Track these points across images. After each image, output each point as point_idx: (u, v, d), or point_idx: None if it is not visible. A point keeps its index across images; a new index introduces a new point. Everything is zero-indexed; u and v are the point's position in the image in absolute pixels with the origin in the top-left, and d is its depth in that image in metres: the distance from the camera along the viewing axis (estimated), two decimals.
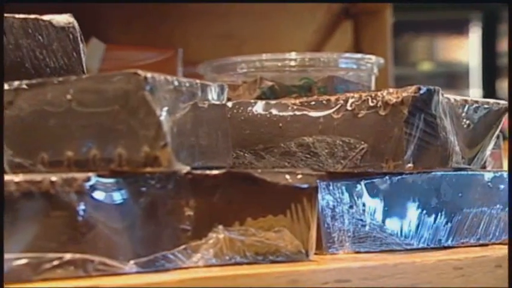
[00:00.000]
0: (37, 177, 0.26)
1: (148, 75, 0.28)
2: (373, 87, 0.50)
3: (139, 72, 0.27)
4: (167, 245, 0.28)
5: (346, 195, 0.33)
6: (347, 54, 0.51)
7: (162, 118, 0.27)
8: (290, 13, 0.95)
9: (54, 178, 0.26)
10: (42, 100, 0.29)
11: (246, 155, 0.36)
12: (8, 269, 0.25)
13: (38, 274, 0.26)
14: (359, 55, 0.51)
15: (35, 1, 0.74)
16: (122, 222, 0.27)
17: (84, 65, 0.35)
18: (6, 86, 0.29)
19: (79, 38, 0.34)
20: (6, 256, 0.25)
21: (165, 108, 0.28)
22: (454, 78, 2.55)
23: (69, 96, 0.28)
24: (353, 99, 0.33)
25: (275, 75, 0.50)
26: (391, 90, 0.33)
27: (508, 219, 0.33)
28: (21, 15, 0.33)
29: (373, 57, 0.50)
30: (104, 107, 0.28)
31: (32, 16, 0.34)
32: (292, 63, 0.50)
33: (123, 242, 0.27)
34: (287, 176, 0.30)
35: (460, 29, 2.47)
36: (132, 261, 0.27)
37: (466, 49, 2.49)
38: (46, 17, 0.34)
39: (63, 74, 0.34)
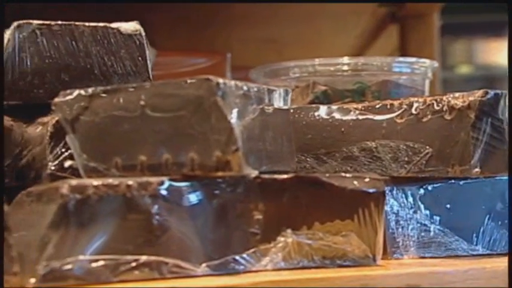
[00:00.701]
0: (114, 181, 0.27)
1: (220, 80, 0.28)
2: (427, 91, 0.50)
3: (212, 78, 0.28)
4: (237, 248, 0.29)
5: (410, 199, 0.33)
6: (401, 58, 0.51)
7: (234, 123, 0.28)
8: (333, 17, 0.95)
9: (130, 182, 0.27)
10: (116, 106, 0.29)
11: (307, 159, 0.36)
12: (87, 271, 0.26)
13: (116, 276, 0.26)
14: (413, 59, 0.50)
15: (70, 1, 0.75)
16: (194, 225, 0.28)
17: (150, 71, 0.36)
18: (82, 92, 0.30)
19: (145, 45, 0.35)
20: (85, 258, 0.26)
21: (236, 114, 0.28)
22: (493, 81, 2.51)
23: (142, 102, 0.29)
24: (418, 104, 0.33)
25: (328, 80, 0.50)
26: (456, 94, 0.33)
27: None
28: (92, 24, 0.34)
29: (427, 61, 0.50)
30: (176, 112, 0.28)
31: (101, 24, 0.35)
32: (345, 67, 0.50)
33: (195, 245, 0.28)
34: (354, 181, 0.30)
35: (498, 31, 2.44)
36: (204, 264, 0.28)
37: (505, 52, 2.45)
38: (114, 25, 0.35)
39: (130, 80, 0.35)
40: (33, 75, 0.34)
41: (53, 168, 0.32)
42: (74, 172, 0.32)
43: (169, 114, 0.29)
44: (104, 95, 0.29)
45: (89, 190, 0.26)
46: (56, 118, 0.33)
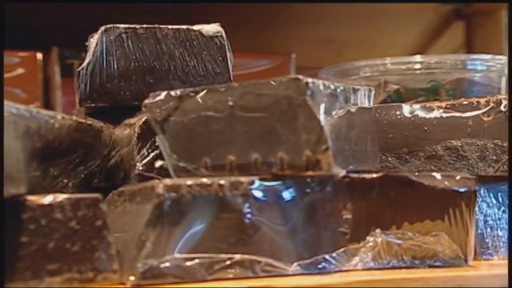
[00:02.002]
0: (207, 180, 0.27)
1: (309, 80, 0.28)
2: (503, 89, 0.49)
3: (301, 77, 0.28)
4: (327, 247, 0.29)
5: (499, 199, 0.32)
6: (475, 56, 0.50)
7: (323, 122, 0.28)
8: (394, 16, 0.94)
9: (222, 181, 0.27)
10: (205, 106, 0.30)
11: (389, 158, 0.35)
12: (183, 269, 0.26)
13: (211, 274, 0.27)
14: (488, 56, 0.49)
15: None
16: (284, 224, 0.28)
17: (231, 72, 0.36)
18: (171, 93, 0.30)
19: (227, 47, 0.36)
20: (181, 256, 0.26)
21: (325, 113, 0.28)
22: None
23: (231, 103, 0.29)
24: (506, 101, 0.32)
25: (399, 79, 0.50)
26: None
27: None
28: (174, 26, 0.35)
29: (503, 58, 0.48)
30: (265, 112, 0.29)
31: (184, 26, 0.35)
32: (417, 66, 0.49)
33: (286, 244, 0.28)
34: (445, 180, 0.29)
35: None
36: (295, 263, 0.28)
37: None
38: (196, 27, 0.35)
39: (212, 82, 0.35)
40: (120, 78, 0.34)
41: (140, 168, 0.33)
42: (160, 172, 0.33)
43: (258, 114, 0.29)
44: (192, 95, 0.30)
45: (183, 189, 0.27)
46: (143, 120, 0.33)
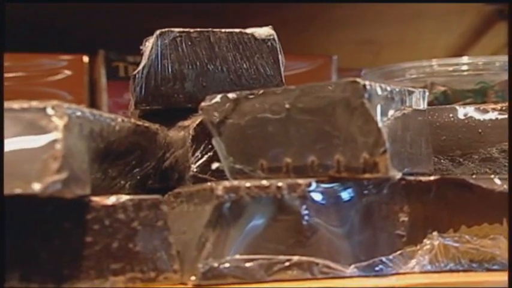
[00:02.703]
0: (265, 182, 0.28)
1: (367, 83, 0.28)
2: None
3: (358, 80, 0.28)
4: (384, 250, 0.29)
5: None
6: None
7: (381, 125, 0.28)
8: (434, 16, 0.93)
9: (280, 183, 0.28)
10: (261, 109, 0.30)
11: (442, 161, 0.35)
12: (243, 270, 0.27)
13: (270, 275, 0.27)
14: None
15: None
16: (341, 226, 0.28)
17: (282, 75, 0.36)
18: (228, 96, 0.31)
19: (278, 50, 0.36)
20: (241, 257, 0.27)
21: (381, 115, 0.28)
22: None
23: (288, 105, 0.29)
24: None
25: (446, 80, 0.50)
26: None
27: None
28: (227, 30, 0.35)
29: None
30: (322, 114, 0.29)
31: (237, 30, 0.36)
32: (465, 67, 0.49)
33: (343, 246, 0.28)
34: (504, 183, 0.29)
35: None
36: (352, 265, 0.28)
37: None
38: (249, 30, 0.36)
39: (264, 84, 0.36)
40: (174, 81, 0.35)
41: (195, 170, 0.33)
42: (214, 174, 0.34)
43: (315, 117, 0.29)
44: (249, 98, 0.30)
45: (241, 191, 0.27)
46: (197, 122, 0.34)
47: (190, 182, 0.33)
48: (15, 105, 0.25)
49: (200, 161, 0.33)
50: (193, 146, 0.33)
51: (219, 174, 0.33)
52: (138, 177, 0.33)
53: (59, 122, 0.25)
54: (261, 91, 0.30)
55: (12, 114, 0.25)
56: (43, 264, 0.25)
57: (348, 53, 0.95)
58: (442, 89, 0.49)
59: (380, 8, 0.92)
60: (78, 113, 0.27)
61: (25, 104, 0.25)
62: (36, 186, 0.24)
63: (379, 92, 0.29)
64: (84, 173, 0.26)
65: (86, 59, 0.66)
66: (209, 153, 0.34)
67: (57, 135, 0.25)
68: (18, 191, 0.24)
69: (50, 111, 0.25)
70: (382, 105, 0.29)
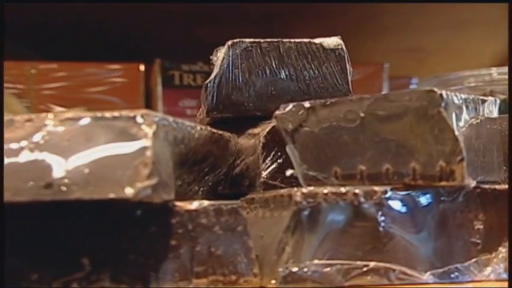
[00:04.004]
0: (342, 189, 0.28)
1: (443, 92, 0.29)
2: None
3: (435, 89, 0.29)
4: (459, 257, 0.29)
5: None
6: None
7: (457, 133, 0.28)
8: (483, 24, 0.93)
9: (356, 190, 0.28)
10: (336, 117, 0.31)
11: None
12: (321, 274, 0.27)
13: (347, 280, 0.28)
14: None
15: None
16: (417, 233, 0.29)
17: (350, 84, 0.37)
18: (301, 105, 0.31)
19: (346, 59, 0.36)
20: (319, 262, 0.27)
21: (457, 124, 0.29)
22: None
23: (362, 114, 0.30)
24: None
25: (505, 88, 0.50)
26: None
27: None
28: (296, 40, 0.36)
29: None
30: (397, 123, 0.29)
31: (306, 40, 0.36)
32: None
33: (419, 253, 0.28)
34: None
35: None
36: (428, 272, 0.28)
37: None
38: (317, 40, 0.36)
39: (332, 93, 0.36)
40: (244, 90, 0.36)
41: (265, 176, 0.34)
42: (284, 180, 0.34)
43: (390, 125, 0.29)
44: (323, 107, 0.31)
45: (319, 197, 0.28)
46: (267, 130, 0.35)
47: (260, 189, 0.34)
48: (107, 114, 0.26)
49: (270, 168, 0.34)
50: (263, 153, 0.34)
51: (289, 181, 0.34)
52: (210, 183, 0.34)
53: (148, 130, 0.26)
54: (335, 99, 0.31)
55: (104, 122, 0.26)
56: (131, 266, 0.26)
57: (393, 61, 0.95)
58: (502, 97, 0.49)
59: (426, 15, 0.92)
60: (164, 121, 0.28)
61: (116, 113, 0.26)
62: (129, 191, 0.25)
63: (455, 100, 0.29)
64: (170, 179, 0.27)
65: (142, 67, 0.68)
66: (279, 161, 0.34)
67: (146, 142, 0.26)
68: (112, 195, 0.25)
69: (139, 119, 0.26)
70: (457, 114, 0.29)
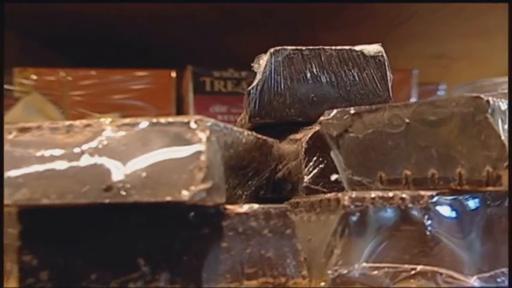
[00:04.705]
0: (389, 193, 0.29)
1: (489, 98, 0.29)
2: None
3: (481, 96, 0.29)
4: (505, 262, 0.29)
5: None
6: None
7: (504, 139, 0.29)
8: (505, 32, 0.93)
9: (403, 195, 0.29)
10: (380, 123, 0.31)
11: None
12: (369, 277, 0.28)
13: (395, 283, 0.28)
14: None
15: None
16: (463, 237, 0.29)
17: (390, 91, 0.37)
18: (346, 111, 0.32)
19: (386, 66, 0.37)
20: (368, 265, 0.28)
21: (503, 130, 0.29)
22: None
23: (407, 119, 0.31)
24: None
25: None
26: None
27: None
28: (337, 47, 0.37)
29: None
30: (443, 129, 0.30)
31: (347, 47, 0.37)
32: None
33: (465, 257, 0.29)
34: None
35: None
36: (475, 276, 0.29)
37: None
38: (358, 47, 0.37)
39: (372, 100, 0.37)
40: (286, 96, 0.37)
41: (307, 181, 0.35)
42: (325, 185, 0.35)
43: (435, 131, 0.30)
44: (368, 112, 0.32)
45: (367, 202, 0.29)
46: (309, 135, 0.35)
47: (303, 193, 0.35)
48: (162, 119, 0.27)
49: (312, 173, 0.35)
50: (305, 158, 0.35)
51: (330, 186, 0.35)
52: (253, 187, 0.35)
53: (202, 135, 0.27)
54: (380, 105, 0.31)
55: (160, 127, 0.27)
56: (184, 267, 0.27)
57: (418, 67, 0.95)
58: None
59: (451, 22, 0.92)
60: (216, 127, 0.28)
61: (170, 119, 0.27)
62: (185, 195, 0.26)
63: (502, 107, 0.29)
64: (222, 183, 0.28)
65: (173, 74, 0.69)
66: (321, 166, 0.35)
67: (201, 147, 0.26)
68: (168, 198, 0.26)
69: (193, 125, 0.27)
70: (503, 120, 0.29)
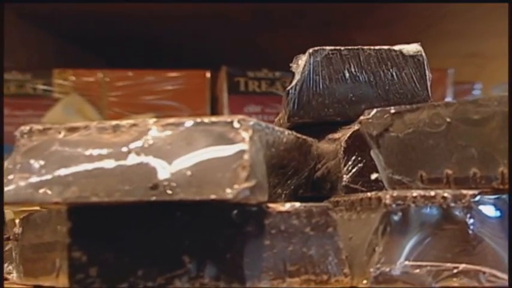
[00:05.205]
0: (431, 192, 0.29)
1: None
2: None
3: None
4: None
5: None
6: None
7: None
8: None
9: (445, 194, 0.29)
10: (421, 122, 0.31)
11: None
12: (412, 275, 0.28)
13: (437, 282, 0.28)
14: None
15: None
16: (505, 237, 0.29)
17: (429, 90, 0.37)
18: (386, 110, 0.32)
19: (426, 65, 0.37)
20: (410, 263, 0.28)
21: None
22: None
23: (448, 119, 0.31)
24: None
25: None
26: None
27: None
28: (376, 47, 0.37)
29: None
30: (484, 128, 0.30)
31: (385, 47, 0.37)
32: None
33: (507, 256, 0.29)
34: None
35: None
36: None
37: None
38: (397, 47, 0.37)
39: (411, 99, 0.37)
40: (325, 96, 0.37)
41: (347, 180, 0.35)
42: (364, 184, 0.35)
43: (477, 130, 0.30)
44: (408, 112, 0.32)
45: (408, 200, 0.29)
46: (348, 135, 0.36)
47: (342, 192, 0.35)
48: (206, 119, 0.28)
49: (351, 172, 0.35)
50: (345, 157, 0.35)
51: (369, 185, 0.35)
52: (293, 186, 0.35)
53: (245, 134, 0.27)
54: (421, 104, 0.31)
55: (203, 127, 0.28)
56: (228, 264, 0.28)
57: (452, 66, 0.94)
58: None
59: (486, 21, 0.91)
60: (258, 126, 0.29)
61: (214, 118, 0.28)
62: (229, 193, 0.26)
63: None
64: (265, 181, 0.28)
65: (208, 74, 0.69)
66: (360, 165, 0.35)
67: (244, 146, 0.27)
68: (213, 196, 0.26)
69: (236, 124, 0.27)
70: None
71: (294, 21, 0.78)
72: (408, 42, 0.38)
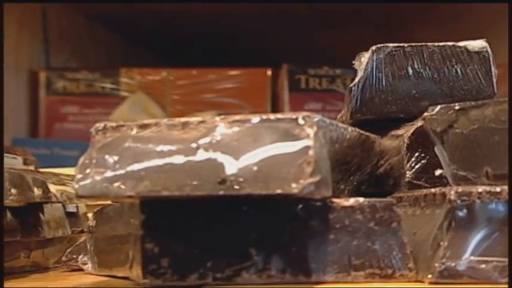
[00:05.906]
0: (497, 188, 0.29)
1: None
2: None
3: None
4: None
5: None
6: None
7: None
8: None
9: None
10: (486, 118, 0.31)
11: None
12: (477, 271, 0.28)
13: (504, 277, 0.28)
14: None
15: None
16: None
17: (495, 86, 0.37)
18: (450, 106, 0.32)
19: (491, 61, 0.37)
20: (475, 258, 0.28)
21: None
22: None
23: None
24: None
25: None
26: None
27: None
28: (440, 43, 0.37)
29: None
30: None
31: (450, 43, 0.37)
32: None
33: None
34: None
35: None
36: None
37: None
38: (462, 43, 0.37)
39: (476, 96, 0.37)
40: (388, 93, 0.37)
41: (410, 176, 0.35)
42: (428, 180, 0.35)
43: None
44: (473, 108, 0.32)
45: (473, 196, 0.29)
46: (411, 131, 0.36)
47: (405, 188, 0.35)
48: (272, 116, 0.29)
49: (415, 168, 0.35)
50: (408, 154, 0.35)
51: (433, 181, 0.35)
52: (355, 182, 0.35)
53: (310, 131, 0.28)
54: (485, 101, 0.31)
55: (269, 124, 0.28)
56: (294, 257, 0.28)
57: None
58: None
59: None
60: (322, 123, 0.29)
61: (279, 115, 0.29)
62: (295, 188, 0.27)
63: None
64: (329, 177, 0.29)
65: (269, 72, 0.70)
66: (423, 161, 0.35)
67: (309, 142, 0.28)
68: (279, 191, 0.27)
69: (301, 121, 0.28)
70: None
71: (354, 19, 0.78)
72: (473, 39, 0.38)
